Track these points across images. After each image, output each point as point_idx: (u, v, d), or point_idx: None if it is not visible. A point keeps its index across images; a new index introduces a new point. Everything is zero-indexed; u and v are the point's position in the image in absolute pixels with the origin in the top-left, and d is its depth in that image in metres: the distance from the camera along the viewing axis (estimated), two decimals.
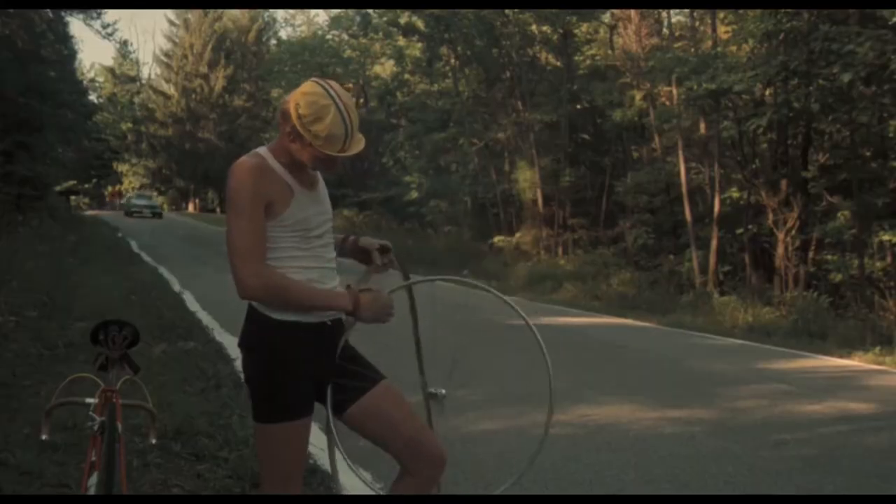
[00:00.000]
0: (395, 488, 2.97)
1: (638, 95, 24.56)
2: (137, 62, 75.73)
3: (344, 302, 2.77)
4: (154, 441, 3.42)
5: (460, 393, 6.98)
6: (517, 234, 28.27)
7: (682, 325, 14.50)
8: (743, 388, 8.37)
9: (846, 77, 15.20)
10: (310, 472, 4.48)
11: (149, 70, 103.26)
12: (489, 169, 30.63)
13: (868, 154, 18.07)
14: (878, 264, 16.74)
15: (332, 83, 2.71)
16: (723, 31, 22.16)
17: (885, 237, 16.06)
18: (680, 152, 21.82)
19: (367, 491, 4.49)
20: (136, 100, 67.08)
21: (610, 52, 27.71)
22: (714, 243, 20.17)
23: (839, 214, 17.37)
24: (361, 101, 41.23)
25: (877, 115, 16.97)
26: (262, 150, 2.79)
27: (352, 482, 4.52)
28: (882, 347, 11.77)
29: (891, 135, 17.04)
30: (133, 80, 71.35)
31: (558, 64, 29.63)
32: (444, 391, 2.96)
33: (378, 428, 2.86)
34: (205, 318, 11.36)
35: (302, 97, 2.67)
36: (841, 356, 11.18)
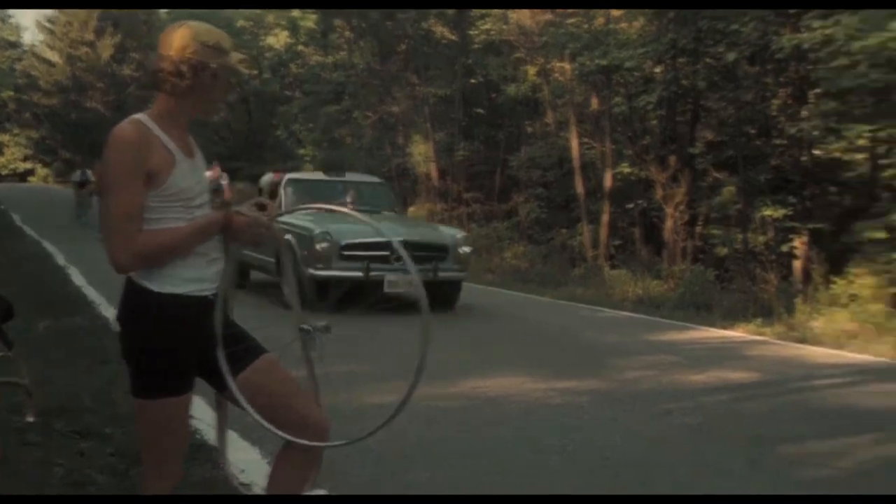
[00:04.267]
0: (279, 460, 2.91)
1: (531, 70, 24.74)
2: (18, 27, 72.66)
3: (215, 220, 2.69)
4: (32, 419, 3.30)
5: (352, 367, 6.96)
6: (411, 208, 28.24)
7: (574, 297, 14.74)
8: (631, 359, 8.58)
9: (731, 56, 15.64)
10: (195, 447, 4.40)
11: (31, 35, 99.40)
12: (383, 142, 30.50)
13: (752, 131, 18.59)
14: (761, 238, 17.22)
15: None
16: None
17: (767, 212, 16.54)
18: (573, 127, 22.08)
19: (257, 465, 4.46)
20: (18, 66, 64.33)
21: (504, 26, 27.80)
22: (605, 218, 20.51)
23: (724, 190, 17.86)
24: (255, 72, 40.48)
25: (760, 94, 17.48)
26: (142, 116, 2.65)
27: (240, 457, 4.47)
28: (763, 319, 12.14)
29: (773, 113, 17.57)
30: (14, 45, 68.46)
31: (453, 37, 29.63)
32: (323, 322, 2.78)
33: (262, 402, 2.78)
34: (91, 293, 11.06)
35: (190, 36, 2.61)
36: (724, 327, 11.53)
